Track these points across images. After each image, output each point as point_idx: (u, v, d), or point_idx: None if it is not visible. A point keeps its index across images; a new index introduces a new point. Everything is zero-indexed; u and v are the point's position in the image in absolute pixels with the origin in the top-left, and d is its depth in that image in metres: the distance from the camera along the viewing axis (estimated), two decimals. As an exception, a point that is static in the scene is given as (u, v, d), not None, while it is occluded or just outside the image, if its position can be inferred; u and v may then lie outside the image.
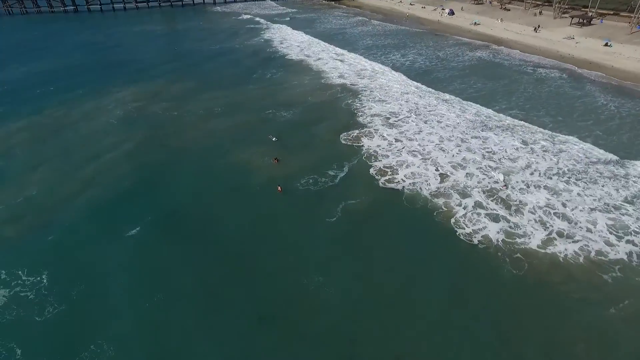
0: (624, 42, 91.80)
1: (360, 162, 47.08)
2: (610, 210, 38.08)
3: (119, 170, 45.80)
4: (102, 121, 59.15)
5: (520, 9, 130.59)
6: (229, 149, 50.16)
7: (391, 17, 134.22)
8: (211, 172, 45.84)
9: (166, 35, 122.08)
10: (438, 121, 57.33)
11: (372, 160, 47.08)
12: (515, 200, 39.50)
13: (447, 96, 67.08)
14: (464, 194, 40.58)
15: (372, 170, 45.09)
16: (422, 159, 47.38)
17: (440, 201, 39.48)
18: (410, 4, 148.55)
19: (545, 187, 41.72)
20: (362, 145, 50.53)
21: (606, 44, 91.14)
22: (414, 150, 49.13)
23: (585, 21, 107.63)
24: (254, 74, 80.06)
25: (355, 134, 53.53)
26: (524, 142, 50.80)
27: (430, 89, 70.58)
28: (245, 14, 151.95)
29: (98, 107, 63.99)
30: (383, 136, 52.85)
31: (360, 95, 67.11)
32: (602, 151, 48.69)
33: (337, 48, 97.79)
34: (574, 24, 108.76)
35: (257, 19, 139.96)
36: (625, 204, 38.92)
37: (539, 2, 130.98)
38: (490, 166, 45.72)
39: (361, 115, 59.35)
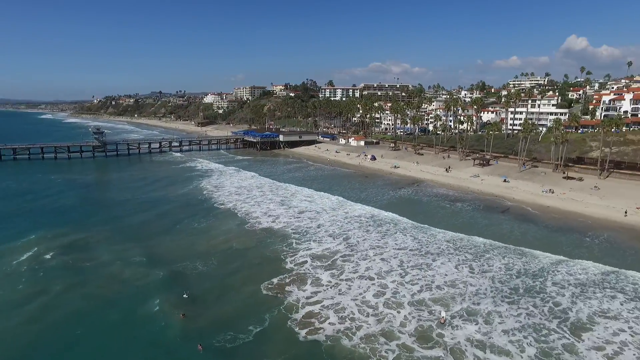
0: (517, 178, 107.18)
1: (281, 313, 43.98)
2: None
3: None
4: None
5: (431, 153, 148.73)
6: (135, 306, 46.02)
7: (321, 164, 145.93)
8: (118, 330, 41.47)
9: (94, 185, 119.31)
10: (376, 254, 59.08)
11: (294, 311, 44.21)
12: (453, 338, 39.10)
13: (383, 228, 70.81)
14: (392, 336, 39.54)
15: (292, 322, 42.17)
16: (354, 300, 46.59)
17: (366, 349, 37.73)
18: (336, 151, 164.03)
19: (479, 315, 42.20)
20: (287, 294, 48.31)
21: (505, 180, 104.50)
22: (344, 292, 48.45)
23: (484, 162, 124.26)
24: (179, 224, 75.72)
25: (280, 282, 51.37)
26: (459, 266, 53.38)
27: (369, 223, 74.14)
28: (186, 162, 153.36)
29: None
30: (313, 280, 51.86)
31: (290, 238, 67.02)
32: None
33: (272, 191, 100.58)
34: (477, 164, 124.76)
35: (198, 166, 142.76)
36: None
37: (445, 148, 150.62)
38: (426, 300, 46.11)
39: (289, 260, 58.19)
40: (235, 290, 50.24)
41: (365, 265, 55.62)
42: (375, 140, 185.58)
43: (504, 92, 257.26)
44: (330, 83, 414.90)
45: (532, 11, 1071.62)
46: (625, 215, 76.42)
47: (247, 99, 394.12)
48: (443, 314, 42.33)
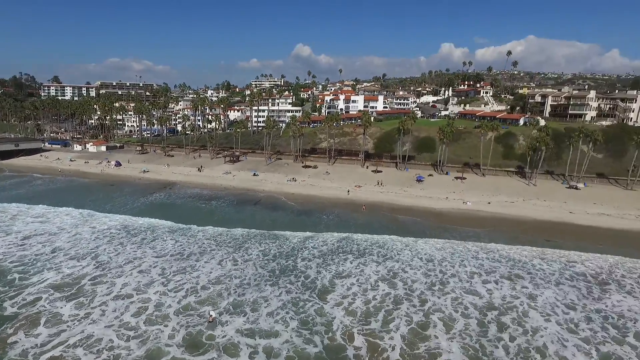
0: (265, 171, 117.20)
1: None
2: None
3: None
4: None
5: (182, 154, 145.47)
6: None
7: (52, 175, 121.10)
8: None
9: None
10: (134, 267, 51.87)
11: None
12: (224, 336, 38.67)
13: (139, 237, 63.24)
14: (160, 354, 36.48)
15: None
16: (110, 326, 40.50)
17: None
18: (71, 160, 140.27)
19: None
20: (8, 347, 37.34)
21: (254, 174, 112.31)
22: (96, 321, 41.46)
23: (235, 158, 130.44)
24: None
25: None
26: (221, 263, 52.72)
27: (122, 235, 65.89)
28: None
29: None
30: (49, 319, 42.37)
31: (10, 274, 51.92)
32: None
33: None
34: (228, 161, 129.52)
35: None
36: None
37: (196, 147, 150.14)
38: (193, 304, 44.10)
39: (8, 304, 44.96)
40: None
41: (121, 283, 49.50)
42: (119, 145, 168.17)
43: (248, 92, 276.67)
44: (56, 79, 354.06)
45: (266, 17, 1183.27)
46: (348, 194, 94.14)
47: None
48: (212, 313, 41.96)
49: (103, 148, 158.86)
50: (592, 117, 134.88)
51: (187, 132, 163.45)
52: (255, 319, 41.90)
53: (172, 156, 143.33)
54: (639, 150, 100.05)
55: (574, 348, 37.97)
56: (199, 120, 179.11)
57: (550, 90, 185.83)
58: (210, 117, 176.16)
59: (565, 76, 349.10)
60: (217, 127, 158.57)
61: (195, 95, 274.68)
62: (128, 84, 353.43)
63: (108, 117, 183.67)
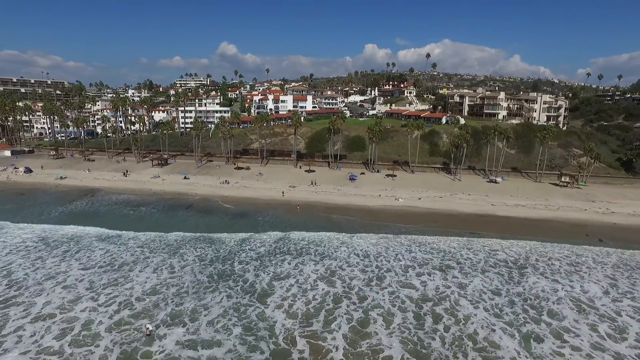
0: (196, 174, 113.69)
1: None
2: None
3: None
4: None
5: (104, 158, 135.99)
6: None
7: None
8: None
9: None
10: (56, 283, 47.16)
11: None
12: (162, 351, 36.86)
13: (61, 249, 57.22)
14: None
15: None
16: (26, 353, 36.83)
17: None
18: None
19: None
20: None
21: (185, 177, 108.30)
22: (10, 349, 37.45)
23: (163, 162, 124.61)
24: None
25: None
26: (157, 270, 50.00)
27: (40, 248, 59.48)
28: None
29: None
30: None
31: None
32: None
33: None
34: (156, 165, 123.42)
35: None
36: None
37: (120, 151, 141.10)
38: (127, 319, 41.35)
39: None
40: None
41: (42, 302, 45.24)
42: (27, 149, 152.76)
43: (173, 92, 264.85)
44: None
45: (188, 15, 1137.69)
46: (283, 195, 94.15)
47: None
48: (148, 326, 39.88)
49: (7, 153, 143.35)
50: (503, 116, 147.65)
51: (109, 135, 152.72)
52: (196, 329, 40.60)
53: (93, 160, 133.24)
54: (543, 146, 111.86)
55: (501, 331, 41.52)
56: (121, 122, 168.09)
57: (467, 91, 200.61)
58: (133, 118, 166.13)
59: (478, 78, 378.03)
60: (141, 128, 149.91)
61: (115, 95, 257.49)
62: (33, 81, 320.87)
63: (10, 118, 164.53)
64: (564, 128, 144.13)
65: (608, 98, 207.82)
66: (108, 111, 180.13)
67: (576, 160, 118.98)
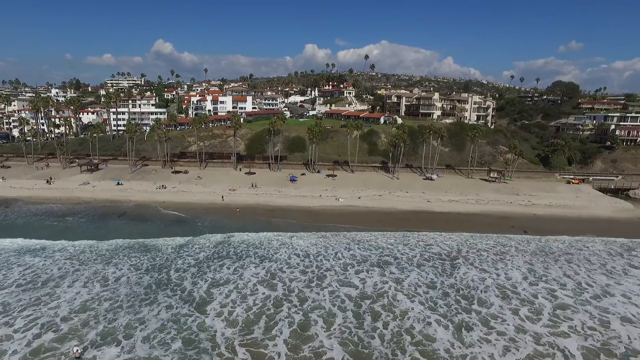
0: (130, 179, 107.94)
1: None
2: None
3: None
4: None
5: (23, 164, 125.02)
6: None
7: None
8: None
9: None
10: None
11: None
12: None
13: None
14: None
15: None
16: None
17: None
18: None
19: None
20: None
21: (118, 183, 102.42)
22: None
23: (93, 167, 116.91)
24: None
25: None
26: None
27: None
28: None
29: None
30: None
31: None
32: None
33: None
34: (85, 170, 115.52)
35: None
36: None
37: (42, 156, 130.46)
38: (51, 343, 38.00)
39: None
40: None
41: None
42: None
43: (103, 92, 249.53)
44: None
45: (120, 10, 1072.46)
46: (223, 199, 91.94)
47: None
48: (76, 349, 37.01)
49: None
50: (437, 115, 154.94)
51: (28, 139, 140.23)
52: (131, 347, 38.38)
53: (9, 167, 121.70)
54: (473, 144, 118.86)
55: (435, 324, 43.51)
56: (43, 124, 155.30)
57: (404, 91, 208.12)
58: (57, 120, 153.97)
59: (415, 78, 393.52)
60: (67, 131, 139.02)
61: (34, 95, 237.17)
62: None
63: None
64: (492, 127, 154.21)
65: (528, 99, 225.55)
66: (27, 112, 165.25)
67: (503, 157, 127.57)
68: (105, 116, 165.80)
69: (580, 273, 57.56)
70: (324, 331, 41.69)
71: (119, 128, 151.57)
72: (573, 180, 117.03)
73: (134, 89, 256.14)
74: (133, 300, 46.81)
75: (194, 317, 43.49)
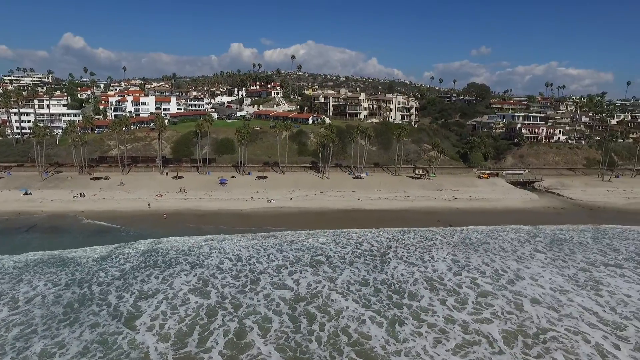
0: (41, 188, 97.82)
1: None
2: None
3: None
4: None
5: None
6: None
7: None
8: None
9: None
10: None
11: None
12: None
13: None
14: None
15: None
16: None
17: None
18: None
19: None
20: None
21: (26, 193, 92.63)
22: None
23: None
24: None
25: None
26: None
27: None
28: None
29: None
30: None
31: None
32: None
33: None
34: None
35: None
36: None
37: None
38: None
39: None
40: None
41: None
42: None
43: (0, 90, 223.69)
44: None
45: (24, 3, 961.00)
46: (149, 207, 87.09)
47: None
48: None
49: None
50: (364, 115, 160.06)
51: None
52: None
53: None
54: (399, 143, 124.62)
55: (369, 321, 44.83)
56: None
57: (331, 92, 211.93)
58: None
59: (341, 78, 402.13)
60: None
61: None
62: None
63: None
64: (416, 126, 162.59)
65: (447, 99, 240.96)
66: None
67: (426, 154, 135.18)
68: (4, 117, 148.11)
69: (496, 260, 63.04)
70: (261, 338, 41.14)
71: (23, 131, 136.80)
72: (483, 175, 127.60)
73: (39, 87, 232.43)
74: (50, 322, 42.81)
75: (124, 334, 40.86)
